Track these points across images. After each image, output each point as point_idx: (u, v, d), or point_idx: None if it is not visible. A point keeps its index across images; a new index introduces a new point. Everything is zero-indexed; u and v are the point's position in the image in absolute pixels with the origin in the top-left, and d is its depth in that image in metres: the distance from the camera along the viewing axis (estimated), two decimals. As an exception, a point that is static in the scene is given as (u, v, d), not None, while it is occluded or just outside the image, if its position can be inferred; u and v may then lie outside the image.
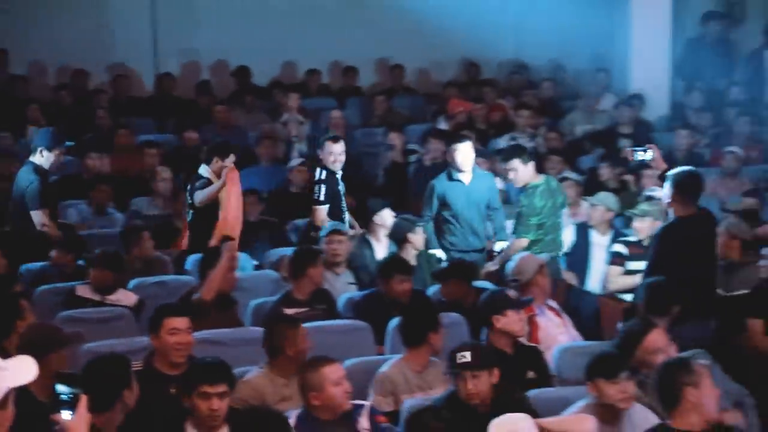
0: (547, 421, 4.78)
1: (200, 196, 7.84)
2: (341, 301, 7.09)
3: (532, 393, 5.40)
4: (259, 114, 12.21)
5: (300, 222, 8.81)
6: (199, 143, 10.20)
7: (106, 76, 12.71)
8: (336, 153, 8.24)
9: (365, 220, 8.13)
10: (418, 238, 7.66)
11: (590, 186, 9.43)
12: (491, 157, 9.63)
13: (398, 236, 7.72)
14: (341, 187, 8.33)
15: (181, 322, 5.36)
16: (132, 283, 7.35)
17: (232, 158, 8.00)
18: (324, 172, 8.22)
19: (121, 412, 4.49)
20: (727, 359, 5.82)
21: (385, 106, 12.41)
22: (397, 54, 13.54)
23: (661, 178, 6.65)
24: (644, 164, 7.12)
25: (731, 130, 11.06)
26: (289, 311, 6.59)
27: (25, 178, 8.08)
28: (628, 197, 8.87)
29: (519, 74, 13.59)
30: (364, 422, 5.00)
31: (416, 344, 5.67)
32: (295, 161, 9.99)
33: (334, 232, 7.48)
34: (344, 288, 7.41)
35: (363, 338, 6.48)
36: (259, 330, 6.14)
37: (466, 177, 8.23)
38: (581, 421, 4.80)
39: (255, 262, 8.21)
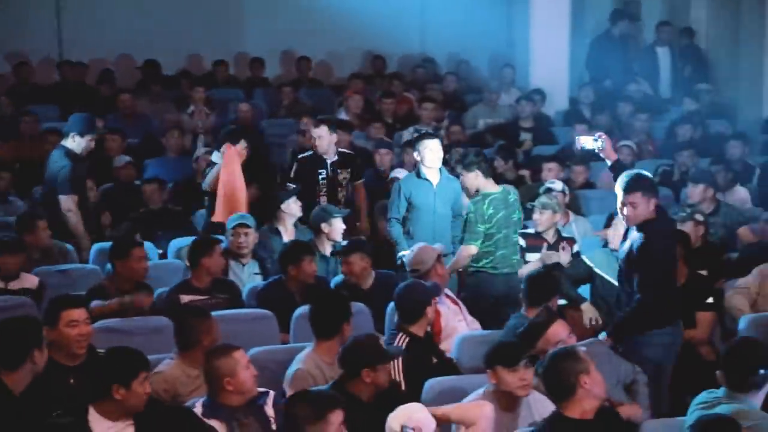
0: (444, 409, 4.91)
1: (206, 180, 8.32)
2: (245, 290, 7.14)
3: (434, 381, 5.52)
4: (166, 104, 12.18)
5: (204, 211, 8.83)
6: (103, 131, 10.13)
7: (8, 65, 12.60)
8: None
9: (273, 209, 8.13)
10: (333, 228, 7.66)
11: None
12: (404, 149, 9.85)
13: (314, 225, 7.78)
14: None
15: (78, 313, 5.27)
16: (33, 272, 7.29)
17: (242, 144, 8.29)
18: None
19: (31, 372, 4.52)
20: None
21: (292, 97, 12.47)
22: (303, 46, 13.62)
23: (612, 169, 6.35)
24: (593, 153, 6.66)
25: (626, 125, 11.36)
26: (186, 298, 6.64)
27: (57, 161, 8.16)
28: (527, 190, 9.04)
29: (423, 68, 13.79)
30: (269, 409, 5.04)
31: (330, 335, 5.61)
32: (201, 151, 10.00)
33: (240, 225, 7.49)
34: (250, 278, 7.45)
35: (267, 327, 6.51)
36: (162, 319, 6.19)
37: (434, 177, 7.91)
38: (478, 408, 4.91)
39: (159, 251, 8.23)
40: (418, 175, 7.93)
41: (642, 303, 5.80)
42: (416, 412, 4.76)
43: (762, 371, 4.77)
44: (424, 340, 5.93)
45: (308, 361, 5.53)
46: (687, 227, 7.56)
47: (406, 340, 5.82)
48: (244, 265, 7.52)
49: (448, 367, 5.93)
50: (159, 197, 9.00)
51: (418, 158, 7.94)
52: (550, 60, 12.28)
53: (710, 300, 6.91)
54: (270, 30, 13.37)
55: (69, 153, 8.16)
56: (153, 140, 10.89)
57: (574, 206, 8.91)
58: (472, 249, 7.25)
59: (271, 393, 5.17)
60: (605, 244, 7.45)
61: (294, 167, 8.62)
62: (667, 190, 9.79)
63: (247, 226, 7.50)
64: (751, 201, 9.54)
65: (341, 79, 13.69)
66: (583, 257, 7.31)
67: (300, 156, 8.73)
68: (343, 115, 11.51)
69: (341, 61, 14.20)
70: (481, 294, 7.25)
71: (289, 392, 5.33)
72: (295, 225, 8.08)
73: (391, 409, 4.79)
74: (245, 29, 13.42)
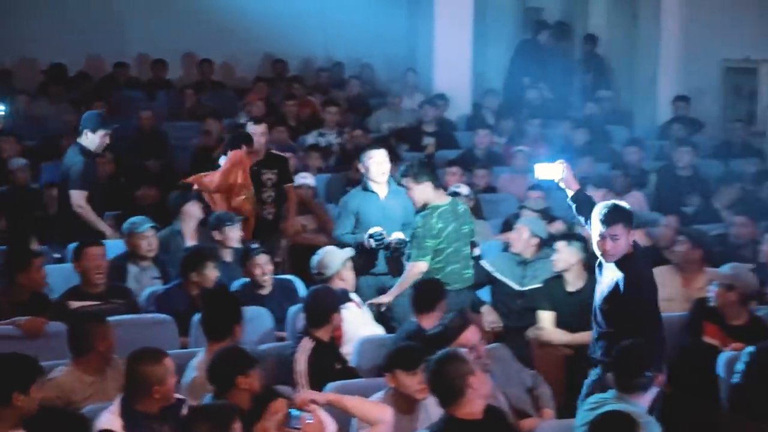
0: (344, 397, 4.93)
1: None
2: (144, 295, 7.06)
3: (334, 384, 5.50)
4: (65, 106, 11.98)
5: (108, 213, 8.69)
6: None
7: None
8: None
9: (174, 211, 8.01)
10: (227, 236, 7.56)
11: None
12: (308, 153, 9.85)
13: (173, 209, 7.82)
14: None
15: None
16: None
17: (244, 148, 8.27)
18: None
19: None
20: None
21: (194, 99, 12.38)
22: (205, 48, 13.53)
23: (575, 200, 5.88)
24: (552, 184, 5.98)
25: (522, 131, 11.53)
26: (76, 304, 6.54)
27: (71, 158, 8.18)
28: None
29: (327, 71, 13.82)
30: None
31: (221, 337, 5.60)
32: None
33: (138, 229, 7.37)
34: (150, 282, 7.37)
35: (166, 331, 6.45)
36: (58, 324, 6.08)
37: (381, 190, 7.47)
38: (381, 410, 4.94)
39: (56, 255, 8.09)
40: (365, 188, 7.49)
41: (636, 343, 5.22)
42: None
43: (648, 374, 4.87)
44: (329, 345, 5.94)
45: (203, 366, 5.42)
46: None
47: (312, 344, 5.83)
48: (143, 269, 7.43)
49: (350, 373, 5.95)
50: (56, 202, 8.79)
51: (363, 170, 7.49)
52: (453, 65, 12.40)
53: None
54: (171, 32, 13.25)
55: (83, 150, 8.19)
56: (51, 143, 10.69)
57: (477, 210, 9.00)
58: (422, 265, 6.81)
59: (187, 401, 5.10)
60: (506, 248, 7.54)
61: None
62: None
63: (148, 230, 7.40)
64: (648, 205, 9.75)
65: (244, 81, 13.63)
66: (483, 262, 7.39)
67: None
68: (244, 119, 11.45)
69: (243, 64, 14.15)
70: None
71: (186, 396, 5.27)
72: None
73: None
74: (146, 31, 13.27)
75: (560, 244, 7.04)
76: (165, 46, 13.35)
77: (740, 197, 9.07)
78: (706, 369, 6.22)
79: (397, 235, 7.22)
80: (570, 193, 5.92)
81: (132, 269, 7.37)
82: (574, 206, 5.89)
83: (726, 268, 6.65)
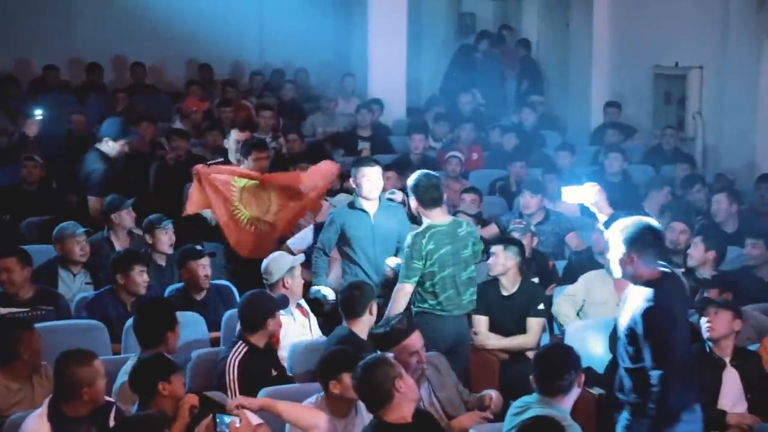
0: (282, 405, 4.92)
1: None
2: (75, 301, 6.98)
3: (269, 390, 5.49)
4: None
5: (35, 220, 8.57)
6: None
7: None
8: None
9: (105, 217, 7.91)
10: (158, 239, 7.49)
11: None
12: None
13: (105, 214, 7.75)
14: None
15: None
16: None
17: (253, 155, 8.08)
18: None
19: None
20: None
21: (127, 103, 12.25)
22: (135, 52, 13.41)
23: (608, 226, 5.28)
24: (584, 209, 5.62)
25: (459, 136, 11.59)
26: (3, 311, 6.45)
27: (91, 164, 8.27)
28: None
29: (261, 76, 13.77)
30: (112, 422, 4.93)
31: (153, 344, 5.56)
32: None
33: (70, 234, 7.31)
34: (81, 288, 7.29)
35: (97, 337, 6.37)
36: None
37: (371, 207, 7.10)
38: (316, 415, 4.94)
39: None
40: (352, 205, 7.13)
41: (666, 381, 4.86)
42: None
43: (568, 376, 4.90)
44: (264, 351, 5.90)
45: (133, 372, 5.44)
46: (525, 239, 7.73)
47: (245, 349, 5.80)
48: (75, 274, 7.34)
49: (285, 379, 5.93)
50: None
51: (354, 186, 7.17)
52: (387, 70, 12.45)
53: (541, 306, 7.06)
54: (102, 35, 13.14)
55: (103, 156, 8.31)
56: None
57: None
58: (407, 287, 6.43)
59: (115, 405, 5.06)
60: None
61: None
62: (502, 199, 10.05)
63: (80, 234, 7.31)
64: (579, 210, 9.85)
65: (174, 85, 13.55)
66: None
67: (210, 162, 8.25)
68: (178, 123, 11.38)
69: (173, 68, 14.05)
70: (428, 339, 5.86)
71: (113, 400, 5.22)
72: None
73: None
74: (77, 33, 13.12)
75: (497, 248, 7.08)
76: (96, 49, 13.21)
77: (669, 202, 9.19)
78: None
79: (394, 261, 6.92)
80: (602, 218, 5.48)
81: (63, 274, 7.27)
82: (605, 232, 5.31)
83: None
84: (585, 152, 11.74)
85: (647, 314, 4.88)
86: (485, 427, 5.29)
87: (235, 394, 5.51)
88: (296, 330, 6.43)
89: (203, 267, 7.01)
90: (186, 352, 6.14)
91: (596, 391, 6.41)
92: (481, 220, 8.95)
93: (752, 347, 6.32)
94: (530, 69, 14.02)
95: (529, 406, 4.90)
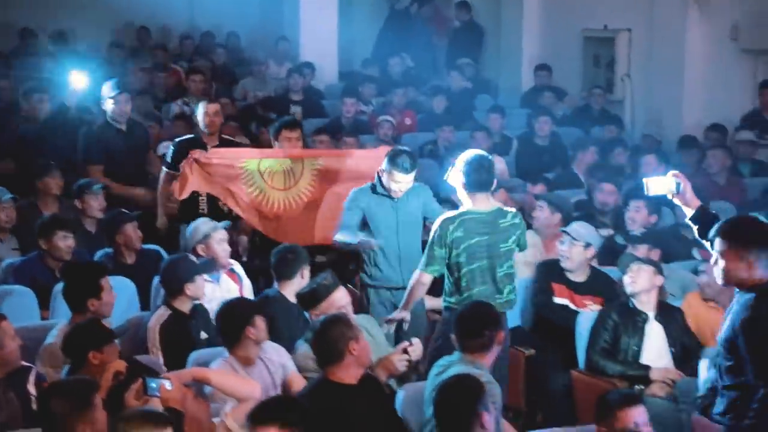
0: (216, 376, 4.85)
1: None
2: (1, 267, 6.90)
3: (197, 354, 5.49)
4: None
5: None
6: None
7: None
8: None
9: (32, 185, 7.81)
10: (87, 204, 7.44)
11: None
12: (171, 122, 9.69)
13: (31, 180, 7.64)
14: None
15: None
16: None
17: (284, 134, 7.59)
18: None
19: None
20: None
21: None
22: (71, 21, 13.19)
23: (697, 221, 4.72)
24: (665, 200, 4.81)
25: (391, 100, 11.61)
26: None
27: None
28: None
29: (191, 39, 13.65)
30: (31, 387, 4.89)
31: (77, 310, 5.52)
32: None
33: None
34: (8, 254, 7.20)
35: (25, 303, 6.33)
36: None
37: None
38: (252, 386, 4.85)
39: None
40: (374, 190, 6.53)
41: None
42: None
43: (488, 333, 4.96)
44: (190, 315, 5.88)
45: (61, 335, 5.35)
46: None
47: (168, 314, 5.80)
48: (1, 240, 7.27)
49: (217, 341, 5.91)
50: None
51: (381, 175, 6.50)
52: (319, 34, 12.43)
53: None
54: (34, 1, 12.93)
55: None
56: None
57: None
58: (423, 277, 5.82)
59: (34, 369, 5.03)
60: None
61: (172, 151, 7.75)
62: (433, 162, 10.10)
63: (6, 201, 7.23)
64: (509, 172, 9.94)
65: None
66: None
67: (179, 139, 7.93)
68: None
69: (108, 33, 13.85)
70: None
71: (39, 367, 5.21)
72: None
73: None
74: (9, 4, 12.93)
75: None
76: (26, 14, 13.00)
77: (596, 163, 9.31)
78: (563, 328, 6.42)
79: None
80: (689, 211, 4.77)
81: (-10, 242, 7.21)
82: (695, 228, 4.74)
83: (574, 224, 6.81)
84: (516, 115, 11.82)
85: (750, 323, 4.24)
86: (411, 386, 5.34)
87: (157, 358, 5.53)
88: (222, 296, 6.29)
89: (136, 230, 6.99)
90: (117, 317, 6.10)
91: (527, 350, 6.53)
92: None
93: (676, 303, 6.46)
94: (465, 32, 14.03)
95: (450, 364, 4.95)
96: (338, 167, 7.37)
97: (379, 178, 6.48)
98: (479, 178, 5.77)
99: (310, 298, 5.53)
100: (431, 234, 5.83)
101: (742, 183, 9.51)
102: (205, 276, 6.15)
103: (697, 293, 6.47)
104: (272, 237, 7.21)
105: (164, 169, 7.84)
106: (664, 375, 5.98)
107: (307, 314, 5.65)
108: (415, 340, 5.46)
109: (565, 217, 7.50)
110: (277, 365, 5.28)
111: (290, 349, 5.47)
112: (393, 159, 6.36)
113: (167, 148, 8.84)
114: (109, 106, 8.39)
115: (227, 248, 6.65)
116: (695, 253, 6.95)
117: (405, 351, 5.36)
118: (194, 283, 5.89)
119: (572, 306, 6.60)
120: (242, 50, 13.90)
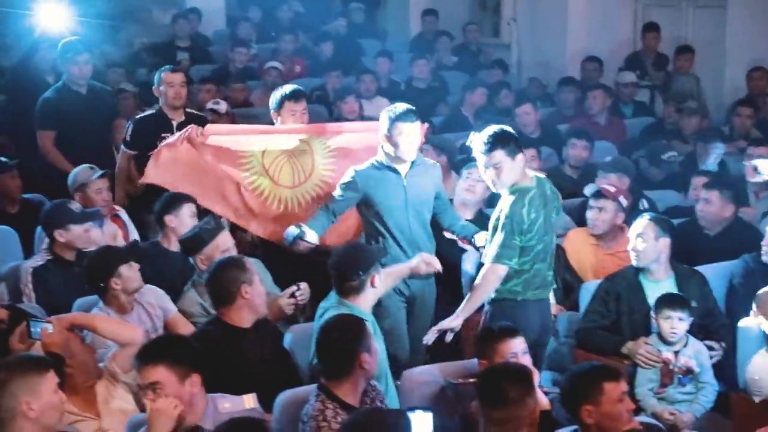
0: (98, 321, 4.79)
1: None
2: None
3: (82, 300, 5.48)
4: None
5: None
6: None
7: None
8: None
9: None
10: None
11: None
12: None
13: None
14: None
15: None
16: None
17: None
18: None
19: None
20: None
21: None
22: None
23: None
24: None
25: (280, 47, 11.55)
26: None
27: None
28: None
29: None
30: None
31: None
32: None
33: None
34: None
35: None
36: None
37: (402, 166, 5.74)
38: (134, 330, 4.79)
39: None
40: (380, 165, 5.70)
41: None
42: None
43: (362, 275, 4.97)
44: (74, 262, 5.83)
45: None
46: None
47: (47, 258, 5.85)
48: None
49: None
50: None
51: (388, 146, 5.66)
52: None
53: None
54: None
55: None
56: None
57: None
58: (500, 270, 5.20)
59: None
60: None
61: (130, 129, 7.10)
62: (322, 107, 10.10)
63: None
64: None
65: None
66: None
67: (139, 116, 7.33)
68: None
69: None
70: None
71: None
72: None
73: None
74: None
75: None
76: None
77: (484, 105, 9.44)
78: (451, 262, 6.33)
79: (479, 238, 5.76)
80: None
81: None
82: None
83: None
84: (404, 60, 11.88)
85: None
86: (299, 327, 5.41)
87: (31, 301, 5.54)
88: (105, 241, 6.23)
89: (15, 178, 6.93)
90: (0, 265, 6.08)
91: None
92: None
93: (557, 240, 6.60)
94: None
95: (327, 309, 5.00)
96: (349, 145, 6.32)
97: (387, 152, 5.67)
98: (518, 146, 5.22)
99: (195, 242, 5.54)
100: (504, 223, 5.16)
101: (622, 123, 9.75)
102: (89, 223, 6.07)
103: (582, 230, 6.63)
104: (274, 240, 6.19)
105: (123, 147, 7.16)
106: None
107: (192, 260, 5.63)
108: (303, 285, 5.52)
109: (451, 160, 7.60)
110: (156, 308, 5.31)
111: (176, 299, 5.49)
112: (392, 114, 5.60)
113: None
114: (66, 67, 7.72)
115: (106, 197, 6.60)
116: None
117: (293, 295, 5.44)
118: (68, 231, 5.84)
119: (460, 243, 6.30)
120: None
